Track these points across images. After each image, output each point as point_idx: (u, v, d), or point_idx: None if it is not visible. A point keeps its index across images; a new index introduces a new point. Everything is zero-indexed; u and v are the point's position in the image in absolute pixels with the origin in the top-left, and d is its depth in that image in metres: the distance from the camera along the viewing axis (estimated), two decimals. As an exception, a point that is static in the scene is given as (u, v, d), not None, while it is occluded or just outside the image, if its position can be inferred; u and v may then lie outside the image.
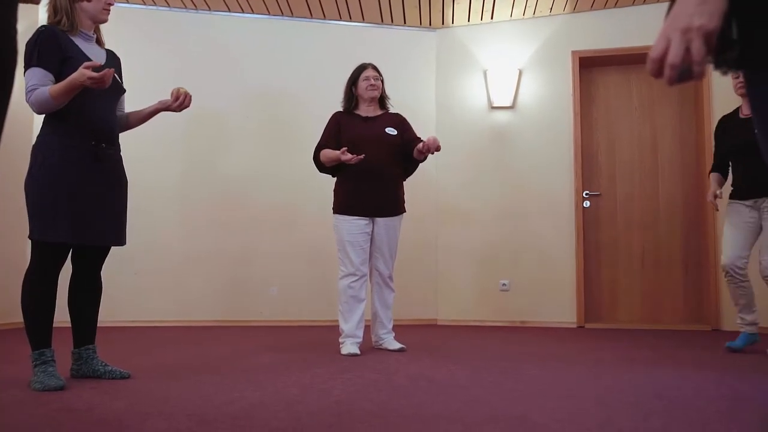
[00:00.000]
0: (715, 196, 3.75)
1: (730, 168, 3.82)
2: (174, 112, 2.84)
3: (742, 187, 3.66)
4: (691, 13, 0.83)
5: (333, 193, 3.74)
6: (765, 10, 0.85)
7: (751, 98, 0.95)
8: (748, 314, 3.63)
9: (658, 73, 0.88)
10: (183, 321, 5.26)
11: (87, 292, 2.76)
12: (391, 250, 3.71)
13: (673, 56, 0.85)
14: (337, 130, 3.70)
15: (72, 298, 2.75)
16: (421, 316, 5.52)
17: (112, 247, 2.79)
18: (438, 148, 3.51)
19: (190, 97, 2.81)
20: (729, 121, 3.80)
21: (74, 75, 2.42)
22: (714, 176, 3.86)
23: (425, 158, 3.67)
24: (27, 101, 2.49)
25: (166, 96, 2.82)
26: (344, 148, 3.46)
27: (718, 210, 3.87)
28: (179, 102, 2.78)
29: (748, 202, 3.63)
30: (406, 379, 2.72)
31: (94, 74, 2.40)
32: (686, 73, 0.86)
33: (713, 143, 4.00)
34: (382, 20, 5.65)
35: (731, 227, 3.66)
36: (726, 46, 0.88)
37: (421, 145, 3.54)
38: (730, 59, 0.90)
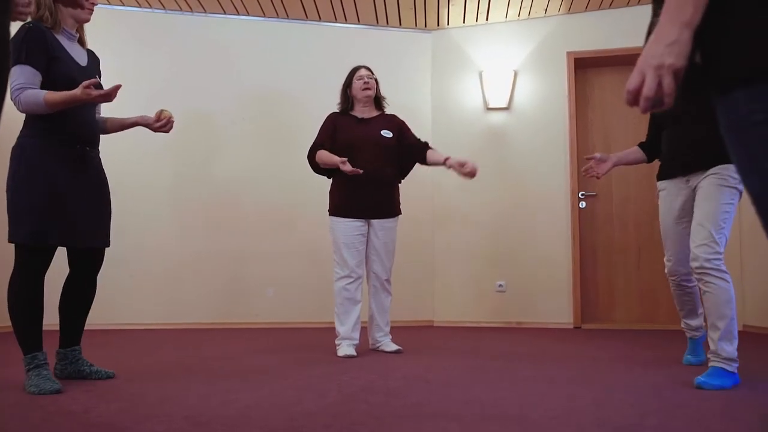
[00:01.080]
0: (594, 159, 3.23)
1: (663, 142, 3.13)
2: (152, 131, 2.84)
3: (677, 160, 3.00)
4: (661, 53, 0.97)
5: (328, 195, 3.74)
6: (726, 36, 0.96)
7: (720, 121, 1.03)
8: (693, 319, 3.23)
9: (634, 102, 1.01)
10: (178, 323, 5.24)
11: (81, 295, 2.75)
12: (388, 253, 3.70)
13: (648, 90, 0.98)
14: (333, 131, 3.70)
15: (65, 299, 2.74)
16: (417, 318, 5.52)
17: (106, 250, 2.79)
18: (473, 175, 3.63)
19: (173, 122, 2.82)
20: None
21: (77, 92, 2.42)
22: (632, 148, 3.32)
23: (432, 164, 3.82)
24: (12, 99, 2.46)
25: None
26: (345, 159, 3.47)
27: (598, 178, 3.32)
28: (160, 124, 2.78)
29: (681, 182, 2.99)
30: (403, 380, 2.72)
31: (99, 92, 2.42)
32: (658, 103, 1.00)
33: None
34: (377, 22, 5.65)
35: (670, 218, 3.06)
36: (689, 80, 1.02)
37: (465, 167, 3.61)
38: (693, 88, 1.04)
